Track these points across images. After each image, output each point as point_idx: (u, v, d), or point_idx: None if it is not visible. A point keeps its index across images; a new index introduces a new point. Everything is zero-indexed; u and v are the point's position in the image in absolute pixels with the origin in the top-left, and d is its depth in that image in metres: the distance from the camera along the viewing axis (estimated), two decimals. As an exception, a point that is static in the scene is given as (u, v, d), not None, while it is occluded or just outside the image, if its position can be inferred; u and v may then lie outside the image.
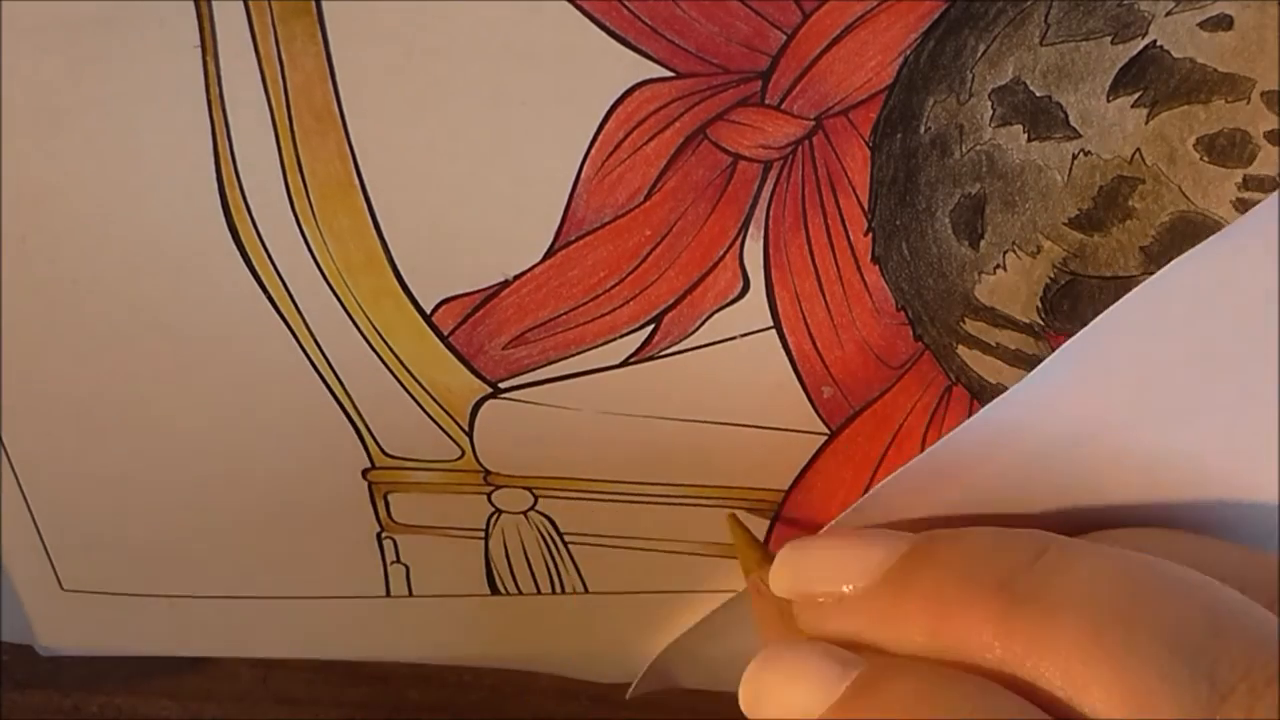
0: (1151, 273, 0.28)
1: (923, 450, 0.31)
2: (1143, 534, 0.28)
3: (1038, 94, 0.27)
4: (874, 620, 0.26)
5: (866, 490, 0.32)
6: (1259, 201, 0.27)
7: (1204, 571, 0.25)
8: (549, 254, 0.29)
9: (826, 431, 0.31)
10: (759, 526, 0.33)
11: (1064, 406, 0.27)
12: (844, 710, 0.25)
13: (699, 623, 0.36)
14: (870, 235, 0.29)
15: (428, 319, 0.30)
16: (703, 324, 0.30)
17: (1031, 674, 0.24)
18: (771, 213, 0.28)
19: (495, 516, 0.34)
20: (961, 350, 0.30)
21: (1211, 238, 0.25)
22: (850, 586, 0.27)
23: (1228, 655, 0.23)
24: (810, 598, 0.27)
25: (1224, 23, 0.26)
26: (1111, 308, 0.26)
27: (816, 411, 0.31)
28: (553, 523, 0.34)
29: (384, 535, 0.35)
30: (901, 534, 0.27)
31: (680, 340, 0.30)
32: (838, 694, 0.25)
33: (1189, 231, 0.28)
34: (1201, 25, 0.26)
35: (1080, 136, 0.27)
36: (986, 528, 0.27)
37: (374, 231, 0.29)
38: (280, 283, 0.29)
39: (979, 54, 0.27)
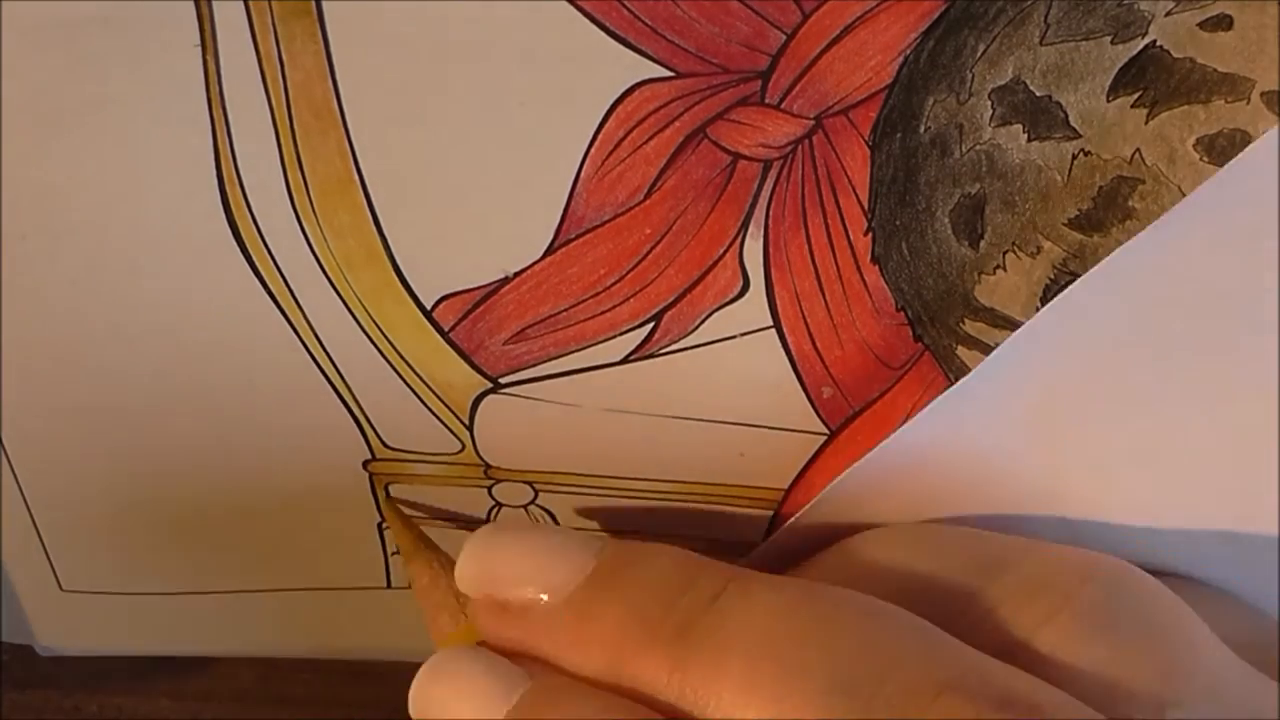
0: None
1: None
2: (902, 538, 0.29)
3: (1037, 94, 0.27)
4: (554, 640, 0.26)
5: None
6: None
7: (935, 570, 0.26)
8: (549, 251, 0.29)
9: (826, 431, 0.31)
10: (759, 523, 0.33)
11: (1016, 398, 0.28)
12: None
13: None
14: (870, 235, 0.29)
15: (428, 315, 0.30)
16: (702, 323, 0.30)
17: (701, 716, 0.24)
18: (771, 212, 0.28)
19: (496, 509, 0.34)
20: (961, 351, 0.30)
21: (1156, 222, 0.25)
22: (534, 598, 0.27)
23: (883, 689, 0.23)
24: (492, 601, 0.27)
25: (1224, 23, 0.26)
26: (1059, 298, 0.26)
27: (816, 411, 0.31)
28: (553, 517, 0.34)
29: (385, 526, 0.35)
30: (592, 543, 0.27)
31: (680, 338, 0.30)
32: (500, 716, 0.26)
33: (1189, 232, 0.28)
34: (1201, 25, 0.26)
35: (1080, 136, 0.27)
36: (673, 553, 0.27)
37: (374, 228, 0.29)
38: (281, 279, 0.29)
39: (979, 54, 0.27)
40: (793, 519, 0.30)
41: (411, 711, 0.27)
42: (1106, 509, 0.29)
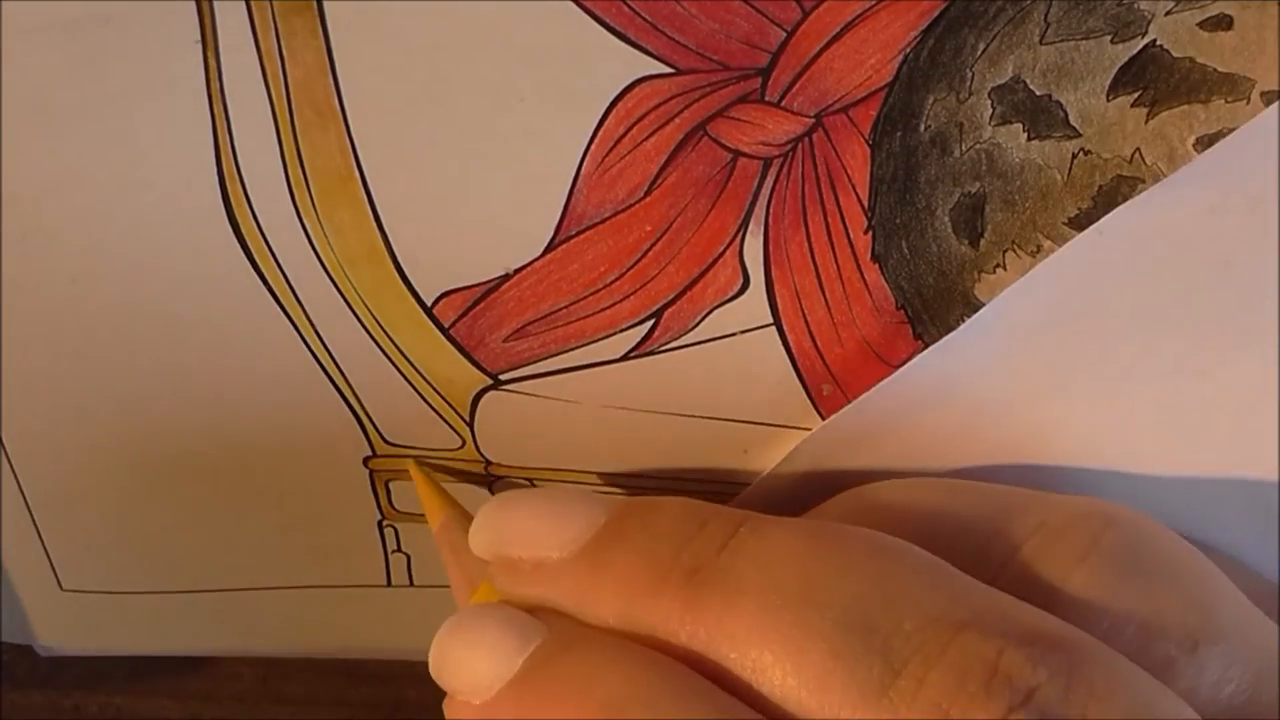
0: (1151, 272, 0.28)
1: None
2: (919, 484, 0.28)
3: (1037, 93, 0.27)
4: (568, 593, 0.26)
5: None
6: (1258, 201, 0.27)
7: (944, 520, 0.26)
8: (549, 248, 0.29)
9: (826, 429, 0.31)
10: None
11: (949, 388, 0.28)
12: (521, 684, 0.25)
13: None
14: (870, 233, 0.29)
15: (428, 311, 0.30)
16: (702, 320, 0.30)
17: (715, 659, 0.24)
18: (771, 210, 0.28)
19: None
20: (961, 349, 0.30)
21: (1146, 191, 0.25)
22: (547, 554, 0.27)
23: (902, 628, 0.23)
24: (507, 559, 0.27)
25: (1224, 23, 0.26)
26: (1044, 262, 0.26)
27: (816, 409, 0.31)
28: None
29: (385, 523, 0.35)
30: (602, 501, 0.27)
31: (680, 336, 0.30)
32: (516, 666, 0.25)
33: (1188, 231, 0.28)
34: (1201, 25, 0.26)
35: (1080, 135, 0.27)
36: (683, 501, 0.27)
37: (374, 224, 0.29)
38: (281, 275, 0.29)
39: (979, 52, 0.27)
40: (780, 461, 0.30)
41: (431, 669, 0.27)
42: (1103, 464, 0.29)
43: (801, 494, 0.30)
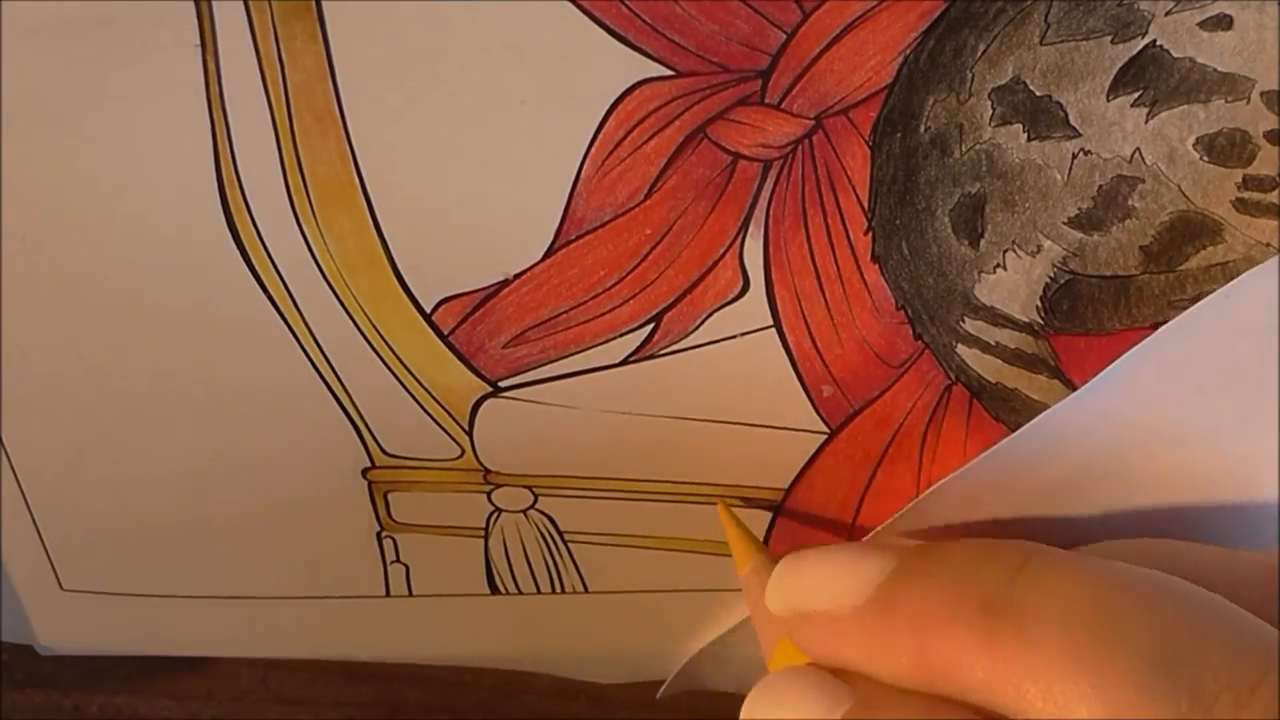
0: (1151, 272, 0.28)
1: (921, 449, 0.31)
2: (1133, 544, 0.28)
3: (1037, 93, 0.27)
4: (863, 643, 0.26)
5: (868, 488, 0.32)
6: (1258, 201, 0.27)
7: (1198, 579, 0.25)
8: (549, 253, 0.29)
9: (826, 430, 0.31)
10: (759, 522, 0.33)
11: (1107, 423, 0.27)
12: None
13: (735, 626, 0.36)
14: (870, 234, 0.29)
15: (427, 318, 0.30)
16: (703, 323, 0.30)
17: (1015, 693, 0.24)
18: (771, 212, 0.28)
19: (495, 515, 0.34)
20: (961, 349, 0.30)
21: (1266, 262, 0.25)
22: (840, 606, 0.27)
23: (1209, 665, 0.23)
24: (804, 616, 0.27)
25: (1224, 22, 0.26)
26: (1167, 325, 0.26)
27: (816, 410, 0.31)
28: (553, 521, 0.34)
29: (384, 534, 0.35)
30: (891, 549, 0.27)
31: (680, 339, 0.30)
32: None
33: (1188, 231, 0.28)
34: (1201, 25, 0.26)
35: (1080, 136, 0.27)
36: (970, 541, 0.27)
37: (374, 231, 0.29)
38: (280, 282, 0.29)
39: (979, 53, 0.27)
40: (929, 490, 0.30)
41: None
42: (1259, 499, 0.29)
43: (956, 521, 0.30)
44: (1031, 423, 0.28)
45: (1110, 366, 0.27)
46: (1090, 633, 0.23)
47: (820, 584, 0.27)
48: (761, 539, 0.33)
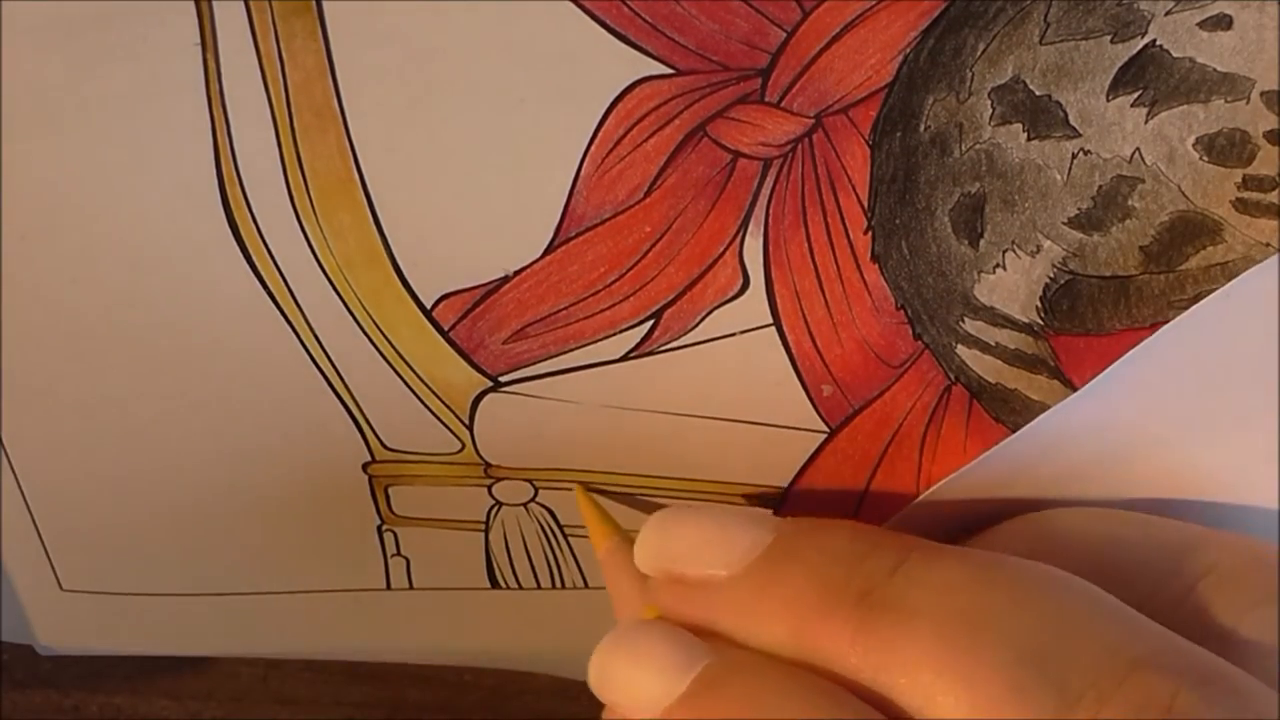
0: (1151, 272, 0.28)
1: (921, 449, 0.31)
2: (1050, 516, 0.28)
3: (1037, 93, 0.27)
4: (733, 612, 0.26)
5: (867, 488, 0.32)
6: (1258, 201, 0.27)
7: (1117, 553, 0.26)
8: (549, 250, 0.29)
9: (826, 429, 0.31)
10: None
11: (1106, 424, 0.27)
12: (687, 705, 0.25)
13: None
14: (870, 233, 0.29)
15: (428, 314, 0.30)
16: (702, 320, 0.30)
17: (885, 684, 0.24)
18: (771, 210, 0.28)
19: (496, 509, 0.34)
20: (961, 349, 0.30)
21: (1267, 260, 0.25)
22: (713, 572, 0.27)
23: (1077, 662, 0.23)
24: (672, 576, 0.27)
25: (1224, 22, 0.26)
26: (1166, 327, 0.26)
27: (816, 409, 0.31)
28: (553, 515, 0.34)
29: (384, 528, 0.35)
30: (767, 520, 0.27)
31: (680, 336, 0.30)
32: (682, 686, 0.25)
33: (1188, 231, 0.28)
34: (1201, 25, 0.26)
35: (1080, 135, 0.27)
36: (851, 525, 0.27)
37: (374, 227, 0.29)
38: (281, 279, 0.29)
39: (979, 52, 0.27)
40: (935, 488, 0.30)
41: (591, 683, 0.27)
42: (1260, 499, 0.29)
43: (955, 521, 0.30)
44: (1030, 424, 0.28)
45: (1109, 369, 0.27)
46: (962, 628, 0.24)
47: (693, 548, 0.27)
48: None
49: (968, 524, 0.30)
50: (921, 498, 0.30)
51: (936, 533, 0.29)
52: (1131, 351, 0.27)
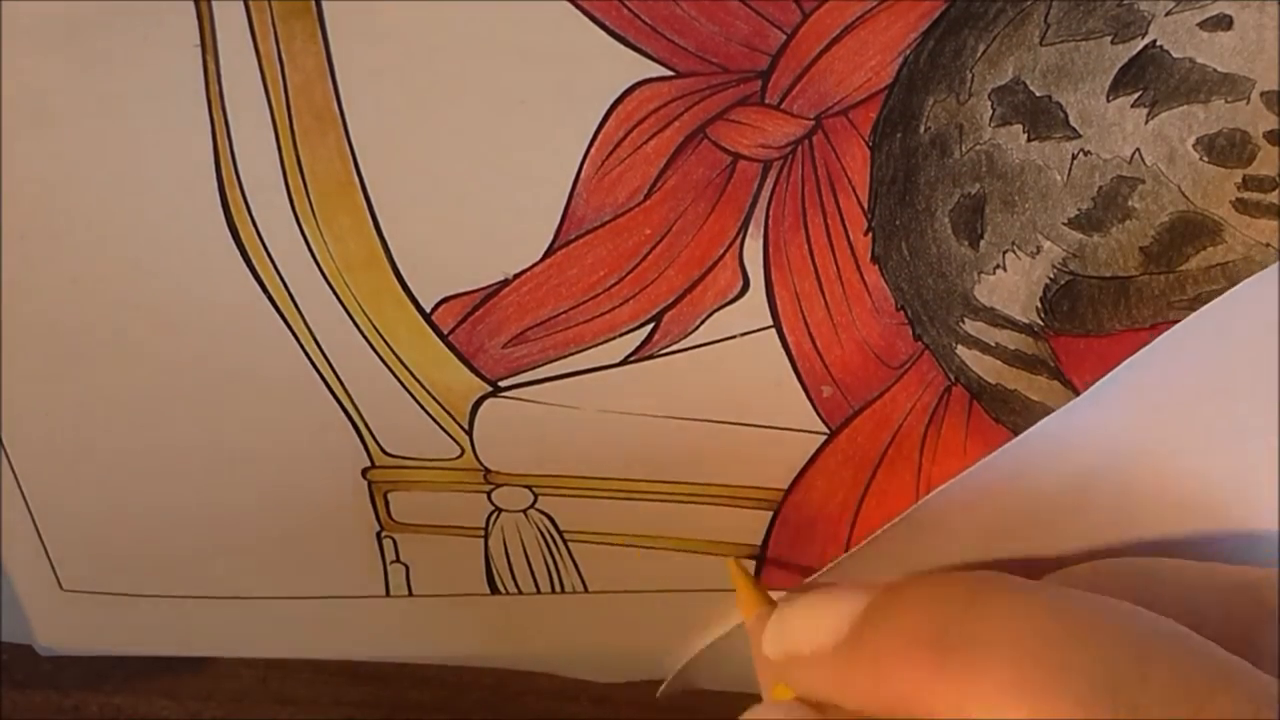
0: (1151, 273, 0.28)
1: (921, 450, 0.31)
2: (1106, 565, 0.29)
3: (1037, 94, 0.27)
4: (833, 680, 0.27)
5: (867, 489, 0.32)
6: (1258, 201, 0.27)
7: (1178, 597, 0.26)
8: (549, 253, 0.29)
9: (826, 431, 0.31)
10: (759, 523, 0.33)
11: (1106, 431, 0.27)
12: None
13: (735, 626, 0.36)
14: (870, 235, 0.29)
15: (428, 318, 0.30)
16: (702, 323, 0.30)
17: (961, 718, 0.24)
18: (771, 212, 0.28)
19: (495, 515, 0.34)
20: (961, 350, 0.30)
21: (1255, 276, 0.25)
22: (822, 646, 0.28)
23: (1150, 689, 0.23)
24: (793, 657, 0.29)
25: (1224, 23, 0.26)
26: (1165, 334, 0.26)
27: (816, 411, 0.31)
28: (552, 521, 0.34)
29: (384, 534, 0.35)
30: (866, 588, 0.28)
31: (680, 339, 0.30)
32: None
33: (1188, 231, 0.28)
34: (1201, 25, 0.26)
35: (1080, 136, 0.27)
36: (932, 575, 0.27)
37: (374, 230, 0.29)
38: (280, 282, 0.29)
39: (979, 54, 0.27)
40: (933, 493, 0.30)
41: None
42: (1261, 504, 0.29)
43: (957, 524, 0.30)
44: (1030, 430, 0.28)
45: (1109, 375, 0.27)
46: (1035, 659, 0.24)
47: (804, 627, 0.28)
48: (761, 539, 0.33)
49: (968, 531, 0.30)
50: (916, 505, 0.30)
51: (941, 539, 0.29)
52: (1132, 357, 0.27)
